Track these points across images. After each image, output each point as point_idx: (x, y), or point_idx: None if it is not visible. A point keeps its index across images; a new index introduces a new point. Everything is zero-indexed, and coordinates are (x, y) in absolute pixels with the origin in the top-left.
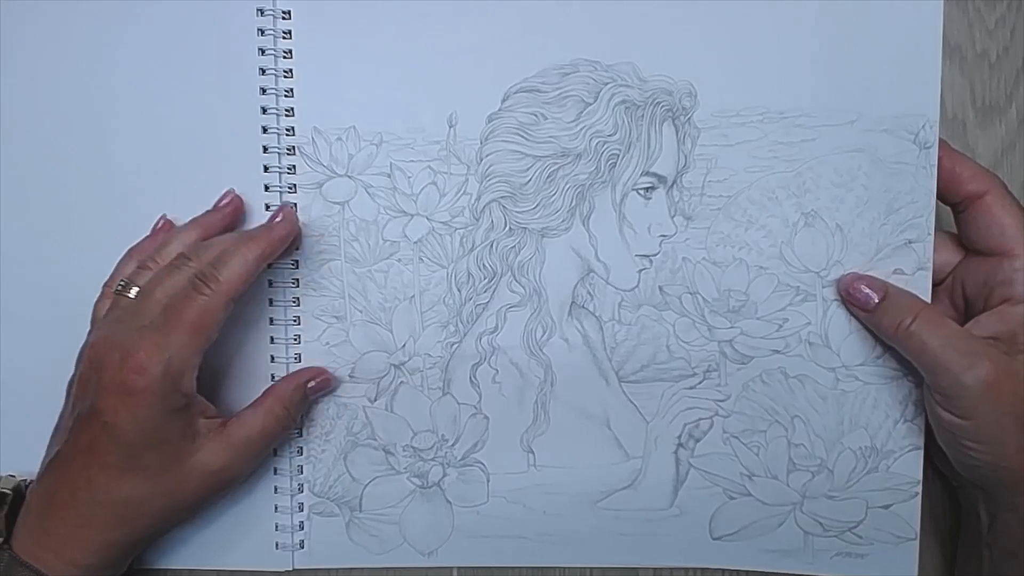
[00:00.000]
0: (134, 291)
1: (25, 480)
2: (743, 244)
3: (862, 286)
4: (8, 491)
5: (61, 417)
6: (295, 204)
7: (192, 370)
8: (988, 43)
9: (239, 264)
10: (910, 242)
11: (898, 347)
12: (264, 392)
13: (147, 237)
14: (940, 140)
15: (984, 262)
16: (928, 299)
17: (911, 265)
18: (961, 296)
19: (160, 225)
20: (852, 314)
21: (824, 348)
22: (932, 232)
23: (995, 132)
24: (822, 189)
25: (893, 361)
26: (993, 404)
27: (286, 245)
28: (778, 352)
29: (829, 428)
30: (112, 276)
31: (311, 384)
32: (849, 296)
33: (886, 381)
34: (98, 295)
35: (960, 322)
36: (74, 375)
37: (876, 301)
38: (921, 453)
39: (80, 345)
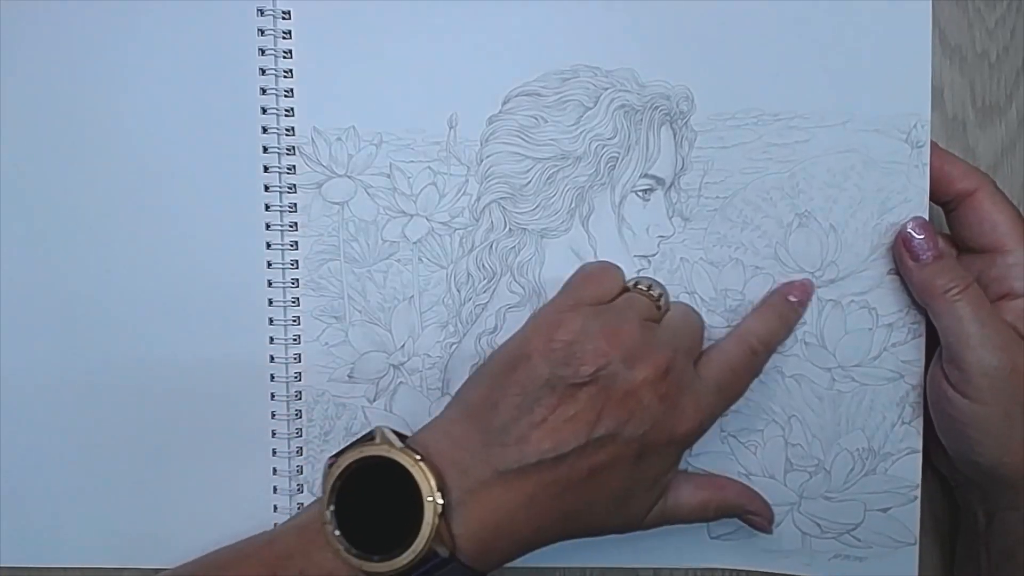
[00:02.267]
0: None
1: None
2: (739, 244)
3: (925, 234)
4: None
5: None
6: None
7: None
8: (988, 43)
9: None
10: None
11: (933, 309)
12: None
13: None
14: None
15: (977, 260)
16: None
17: None
18: None
19: None
20: (895, 260)
21: (820, 348)
22: None
23: (995, 132)
24: (816, 189)
25: (889, 362)
26: (1010, 392)
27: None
28: (775, 351)
29: (826, 428)
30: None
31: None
32: (905, 240)
33: (882, 383)
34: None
35: None
36: (611, 356)
37: (931, 257)
38: (919, 456)
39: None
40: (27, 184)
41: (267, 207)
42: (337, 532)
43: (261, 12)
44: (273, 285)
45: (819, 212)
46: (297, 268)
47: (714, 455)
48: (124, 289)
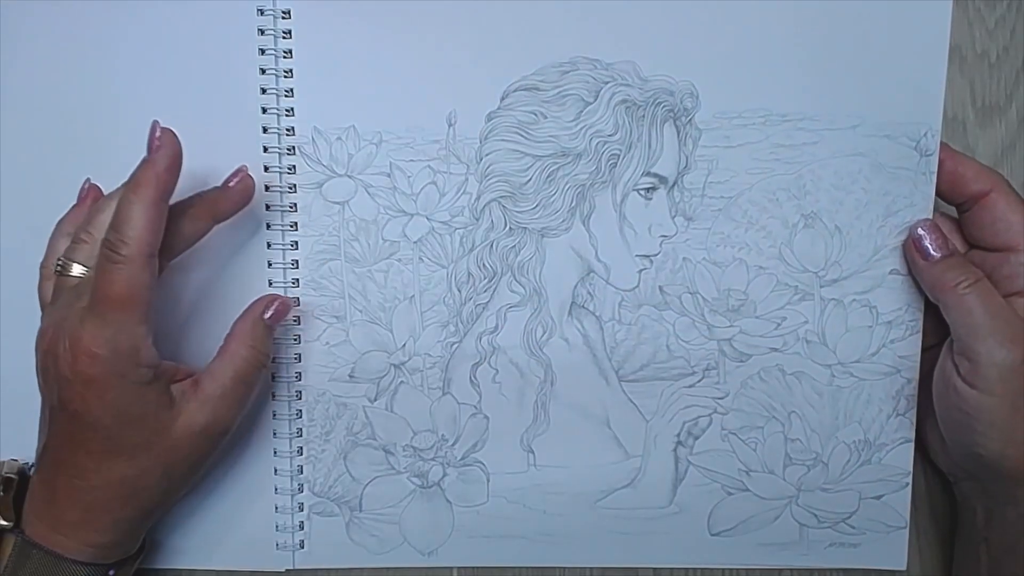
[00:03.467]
0: (74, 268)
1: (28, 463)
2: (743, 244)
3: (934, 235)
4: (13, 475)
5: (42, 407)
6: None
7: (144, 340)
8: (988, 43)
9: (139, 216)
10: None
11: (944, 303)
12: (226, 338)
13: (74, 207)
14: (941, 142)
15: (989, 258)
16: (922, 299)
17: (907, 267)
18: None
19: (86, 192)
20: (907, 259)
21: (821, 346)
22: None
23: (995, 132)
24: (822, 192)
25: (887, 358)
26: (1018, 384)
27: (176, 175)
28: (776, 350)
29: (824, 423)
30: (47, 255)
31: (268, 315)
32: (915, 240)
33: (879, 377)
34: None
35: None
36: (36, 364)
37: (939, 255)
38: (911, 445)
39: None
40: (27, 183)
41: (267, 207)
42: None
43: (261, 12)
44: (273, 285)
45: (825, 214)
46: (297, 268)
47: (715, 453)
48: None
